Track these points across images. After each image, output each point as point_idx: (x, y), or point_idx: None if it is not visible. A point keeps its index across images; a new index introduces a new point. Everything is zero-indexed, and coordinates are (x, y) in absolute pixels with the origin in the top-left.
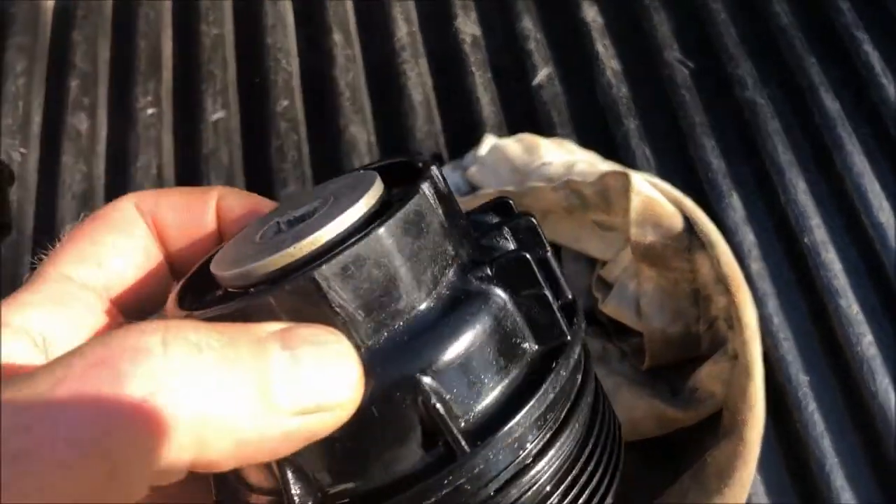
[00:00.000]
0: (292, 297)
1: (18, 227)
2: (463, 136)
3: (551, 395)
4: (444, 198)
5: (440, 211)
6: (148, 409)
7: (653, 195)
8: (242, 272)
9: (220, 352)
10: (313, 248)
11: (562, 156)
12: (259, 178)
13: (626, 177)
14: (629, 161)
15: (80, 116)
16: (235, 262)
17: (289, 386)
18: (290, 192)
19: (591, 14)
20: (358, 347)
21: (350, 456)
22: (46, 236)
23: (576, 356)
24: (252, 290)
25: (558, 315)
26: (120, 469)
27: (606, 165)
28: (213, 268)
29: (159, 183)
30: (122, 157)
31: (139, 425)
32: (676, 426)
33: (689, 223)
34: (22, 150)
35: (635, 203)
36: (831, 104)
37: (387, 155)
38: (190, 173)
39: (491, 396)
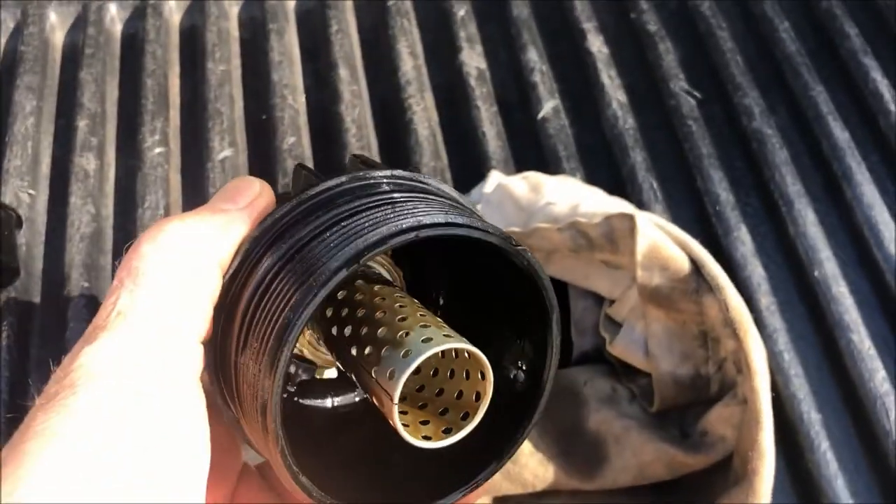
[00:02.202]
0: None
1: (27, 268)
2: (469, 171)
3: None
4: None
5: None
6: None
7: (658, 238)
8: None
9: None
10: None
11: (566, 195)
12: None
13: (631, 219)
14: (636, 194)
15: (88, 157)
16: None
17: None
18: None
19: (597, 45)
20: None
21: None
22: (56, 278)
23: None
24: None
25: None
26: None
27: (612, 203)
28: None
29: None
30: (130, 197)
31: None
32: (686, 470)
33: (696, 266)
34: (31, 191)
35: (641, 245)
36: (840, 133)
37: None
38: None
39: None
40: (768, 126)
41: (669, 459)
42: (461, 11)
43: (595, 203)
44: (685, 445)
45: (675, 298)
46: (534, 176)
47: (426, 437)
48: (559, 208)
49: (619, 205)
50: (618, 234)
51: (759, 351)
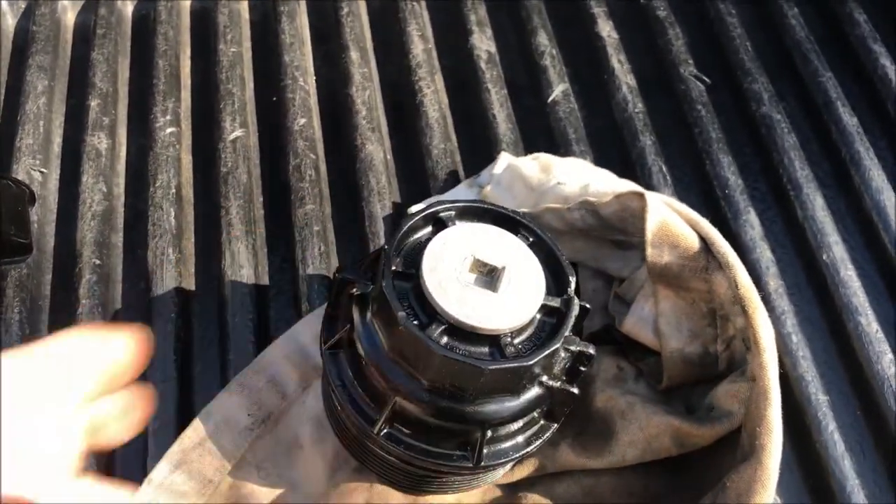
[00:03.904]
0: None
1: (39, 245)
2: (479, 153)
3: None
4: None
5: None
6: None
7: (669, 216)
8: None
9: None
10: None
11: (576, 175)
12: (277, 196)
13: (642, 197)
14: (645, 178)
15: (100, 136)
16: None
17: None
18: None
19: (607, 29)
20: None
21: None
22: (67, 255)
23: None
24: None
25: None
26: None
27: (621, 184)
28: (438, 299)
29: (179, 201)
30: (142, 176)
31: None
32: (692, 444)
33: (706, 243)
34: (42, 170)
35: (651, 223)
36: (848, 119)
37: (404, 172)
38: (209, 192)
39: None
40: (777, 111)
41: (675, 431)
42: None
43: (605, 183)
44: (691, 418)
45: (685, 276)
46: (544, 157)
47: None
48: (569, 188)
49: (628, 185)
50: (628, 213)
51: (768, 328)
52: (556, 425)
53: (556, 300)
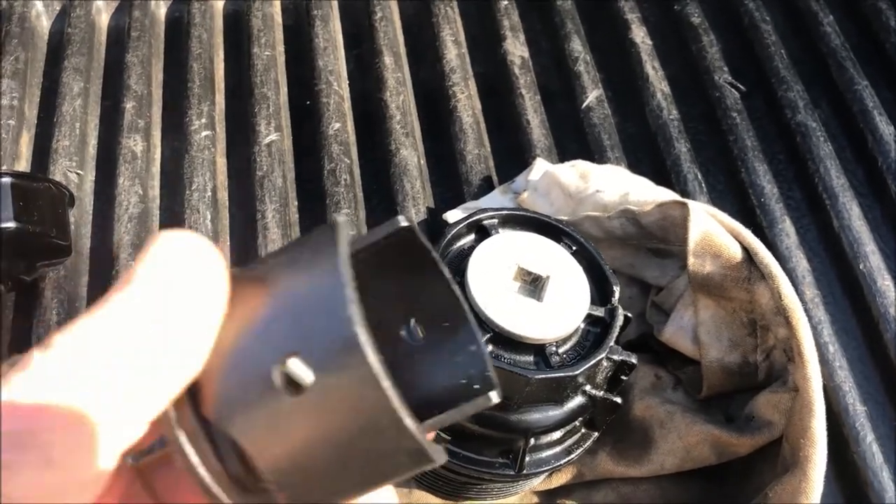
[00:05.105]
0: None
1: (76, 247)
2: (513, 159)
3: None
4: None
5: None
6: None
7: (711, 226)
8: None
9: None
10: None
11: (615, 183)
12: (312, 201)
13: (684, 206)
14: (680, 185)
15: (136, 138)
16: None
17: None
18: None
19: (641, 35)
20: None
21: None
22: (104, 257)
23: None
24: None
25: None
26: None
27: (659, 192)
28: (484, 307)
29: (215, 205)
30: (177, 179)
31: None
32: (731, 453)
33: (749, 254)
34: (79, 171)
35: (694, 233)
36: (885, 128)
37: (438, 177)
38: (244, 196)
39: None
40: (812, 120)
41: (715, 440)
42: (505, 0)
43: (645, 192)
44: (730, 427)
45: (727, 286)
46: (582, 164)
47: None
48: (608, 196)
49: (667, 194)
50: (669, 222)
51: (811, 340)
52: (596, 434)
53: (600, 310)
